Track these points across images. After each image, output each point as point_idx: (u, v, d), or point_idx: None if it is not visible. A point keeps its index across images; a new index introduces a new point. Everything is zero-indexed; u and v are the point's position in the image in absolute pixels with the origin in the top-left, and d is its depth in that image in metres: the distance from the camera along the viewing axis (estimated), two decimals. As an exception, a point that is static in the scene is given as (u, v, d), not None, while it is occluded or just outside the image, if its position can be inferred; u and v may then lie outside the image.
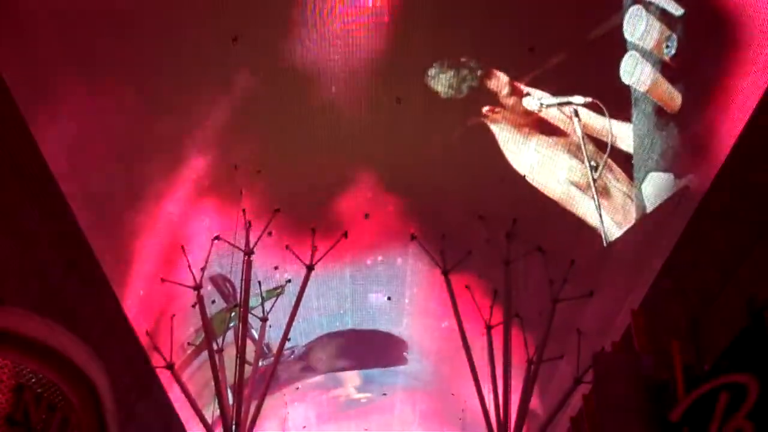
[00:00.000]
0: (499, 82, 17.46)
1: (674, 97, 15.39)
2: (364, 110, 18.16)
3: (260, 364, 21.15)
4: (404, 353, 27.12)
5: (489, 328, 20.57)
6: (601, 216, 18.19)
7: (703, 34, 13.87)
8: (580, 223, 19.06)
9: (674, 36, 14.67)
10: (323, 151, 19.37)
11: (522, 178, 18.97)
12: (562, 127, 18.10)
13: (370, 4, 16.20)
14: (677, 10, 14.33)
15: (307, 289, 20.75)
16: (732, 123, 13.46)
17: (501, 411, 18.64)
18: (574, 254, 19.26)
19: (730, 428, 8.94)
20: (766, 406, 8.74)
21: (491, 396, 19.11)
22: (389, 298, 24.55)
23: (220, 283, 21.47)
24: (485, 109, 17.96)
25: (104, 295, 16.62)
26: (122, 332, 17.82)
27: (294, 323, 20.65)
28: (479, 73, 17.28)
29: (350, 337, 26.41)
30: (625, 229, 18.00)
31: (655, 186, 16.78)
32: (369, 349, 27.16)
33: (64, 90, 14.01)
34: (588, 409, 14.18)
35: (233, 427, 18.67)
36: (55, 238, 14.54)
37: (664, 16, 14.67)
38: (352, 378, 29.35)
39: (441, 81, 17.43)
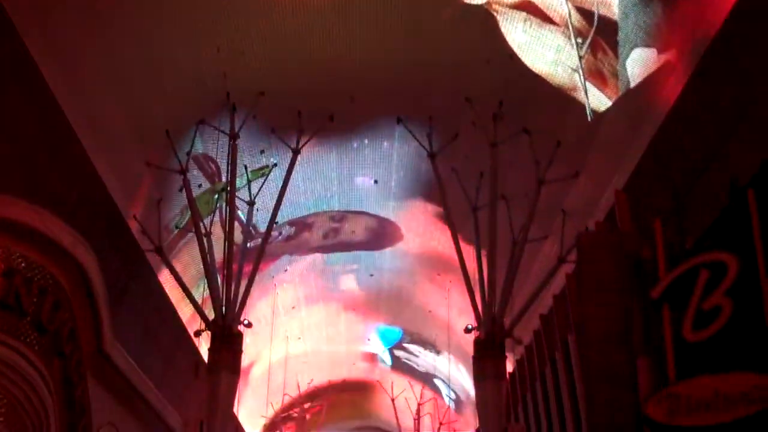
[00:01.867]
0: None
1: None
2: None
3: (248, 245, 21.36)
4: (393, 235, 27.34)
5: (475, 209, 20.68)
6: (587, 94, 18.14)
7: None
8: (566, 105, 19.00)
9: None
10: (308, 33, 19.07)
11: (509, 60, 18.77)
12: (549, 5, 17.87)
13: None
14: None
15: (293, 174, 20.72)
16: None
17: (486, 291, 18.98)
18: (560, 136, 19.26)
19: (709, 304, 9.18)
20: (745, 283, 8.95)
21: (476, 276, 19.42)
22: (376, 182, 24.60)
23: (205, 165, 21.43)
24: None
25: (90, 182, 16.59)
26: (109, 217, 17.88)
27: (281, 207, 20.74)
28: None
29: (338, 218, 26.58)
30: (610, 108, 17.98)
31: (641, 63, 16.67)
32: (358, 231, 27.39)
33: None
34: (571, 287, 14.50)
35: (223, 304, 19.07)
36: (39, 126, 14.40)
37: None
38: (338, 257, 29.62)
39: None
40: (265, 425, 39.27)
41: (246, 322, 19.65)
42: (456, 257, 19.84)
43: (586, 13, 17.50)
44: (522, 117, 19.54)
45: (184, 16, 17.46)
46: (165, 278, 21.17)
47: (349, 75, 20.42)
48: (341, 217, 26.63)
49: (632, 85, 17.16)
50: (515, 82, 19.21)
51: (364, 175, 24.48)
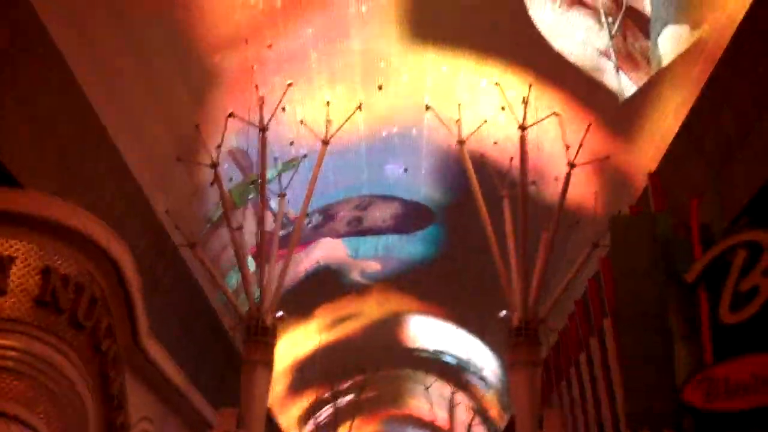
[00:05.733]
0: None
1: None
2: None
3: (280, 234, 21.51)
4: (426, 219, 27.14)
5: (505, 196, 20.61)
6: (618, 75, 17.94)
7: None
8: (596, 87, 18.80)
9: None
10: (335, 23, 19.08)
11: (539, 42, 18.62)
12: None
13: None
14: None
15: (323, 165, 20.78)
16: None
17: (521, 276, 18.92)
18: (591, 119, 19.10)
19: (746, 285, 9.06)
20: (784, 262, 8.81)
21: (513, 262, 19.35)
22: (406, 170, 24.57)
23: (239, 157, 21.52)
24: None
25: (123, 177, 16.73)
26: (142, 212, 18.02)
27: (311, 198, 20.83)
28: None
29: (365, 204, 26.48)
30: (642, 86, 17.76)
31: (673, 40, 16.43)
32: (389, 215, 27.24)
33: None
34: (605, 271, 14.36)
35: (257, 291, 19.25)
36: (71, 123, 14.53)
37: None
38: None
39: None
40: (299, 416, 39.45)
41: (280, 314, 19.80)
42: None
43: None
44: (552, 100, 19.44)
45: (213, 10, 17.50)
46: (198, 271, 21.32)
47: (377, 65, 20.42)
48: (369, 202, 26.49)
49: (663, 64, 16.92)
50: (545, 64, 19.07)
51: (393, 163, 24.43)
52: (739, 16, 13.35)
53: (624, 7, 16.98)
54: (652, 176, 13.70)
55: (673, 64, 16.61)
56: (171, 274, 19.97)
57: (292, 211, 22.70)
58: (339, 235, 28.09)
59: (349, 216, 27.08)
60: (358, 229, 27.87)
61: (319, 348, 34.05)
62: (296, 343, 32.01)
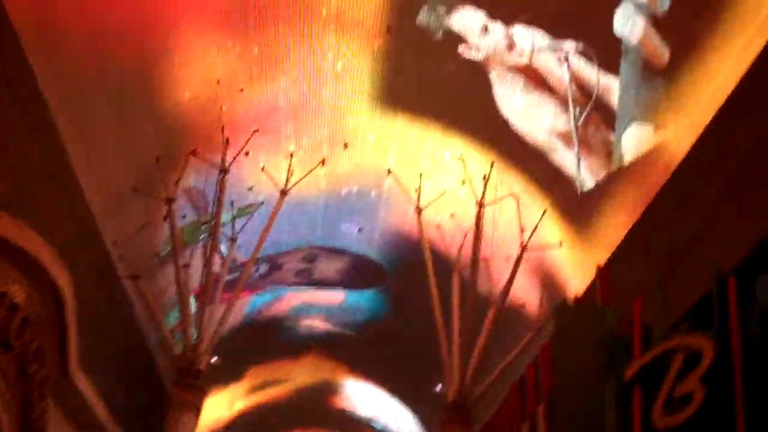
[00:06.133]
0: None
1: (662, 53, 15.31)
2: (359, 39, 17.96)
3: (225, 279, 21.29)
4: (377, 277, 26.99)
5: (455, 270, 20.69)
6: (579, 165, 18.25)
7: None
8: (556, 173, 19.11)
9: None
10: (309, 76, 19.23)
11: (503, 121, 18.91)
12: (549, 72, 18.01)
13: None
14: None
15: (279, 214, 20.74)
16: (719, 84, 13.42)
17: (461, 352, 18.89)
18: (547, 203, 19.35)
19: (681, 390, 9.09)
20: (720, 370, 8.88)
21: (456, 336, 19.33)
22: (360, 230, 24.60)
23: (195, 196, 21.38)
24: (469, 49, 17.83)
25: (75, 200, 16.45)
26: (90, 239, 17.71)
27: (263, 245, 20.73)
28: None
29: (317, 255, 26.29)
30: (601, 179, 18.06)
31: (636, 138, 16.77)
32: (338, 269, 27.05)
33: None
34: (544, 358, 14.35)
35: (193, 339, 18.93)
36: (29, 137, 14.30)
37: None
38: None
39: (432, 17, 17.31)
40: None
41: (215, 359, 19.49)
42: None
43: (585, 83, 17.66)
44: (512, 180, 19.68)
45: (189, 47, 17.53)
46: (138, 306, 20.94)
47: (344, 122, 20.57)
48: (317, 255, 26.30)
49: (624, 161, 17.26)
50: (508, 144, 19.34)
51: (349, 221, 24.45)
52: (703, 123, 13.71)
53: (593, 99, 17.36)
54: (601, 270, 13.80)
55: (634, 162, 16.94)
56: (110, 305, 19.56)
57: (242, 257, 22.51)
58: (286, 285, 27.83)
59: (297, 267, 26.88)
60: (306, 281, 27.64)
61: (246, 409, 33.52)
62: (220, 405, 31.41)
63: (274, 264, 26.20)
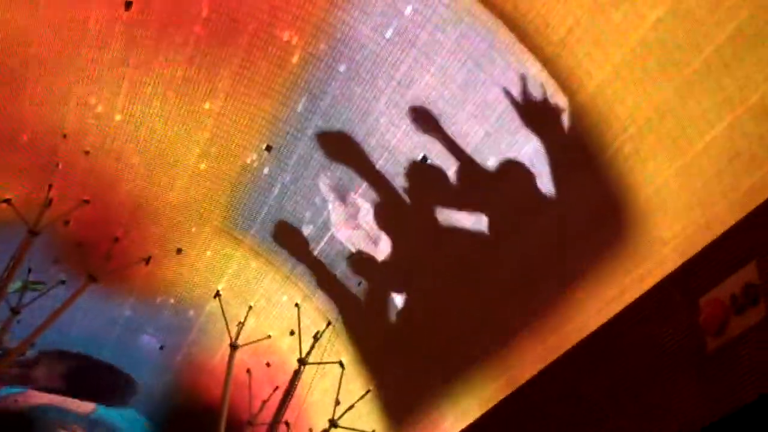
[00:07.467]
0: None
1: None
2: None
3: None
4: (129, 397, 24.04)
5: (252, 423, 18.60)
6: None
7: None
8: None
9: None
10: (157, 166, 17.23)
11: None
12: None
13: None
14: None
15: (78, 300, 18.19)
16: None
17: None
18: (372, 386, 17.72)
19: None
20: None
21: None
22: (162, 348, 21.87)
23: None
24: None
25: None
26: None
27: (46, 331, 17.93)
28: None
29: (83, 363, 23.17)
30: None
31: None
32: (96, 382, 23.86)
33: None
34: None
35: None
36: None
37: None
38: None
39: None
40: None
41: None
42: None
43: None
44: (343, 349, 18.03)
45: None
46: None
47: (186, 225, 18.48)
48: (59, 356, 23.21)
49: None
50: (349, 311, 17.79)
51: (153, 335, 21.73)
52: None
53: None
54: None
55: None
56: None
57: (15, 339, 19.26)
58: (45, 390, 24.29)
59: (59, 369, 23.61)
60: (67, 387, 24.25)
61: None
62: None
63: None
